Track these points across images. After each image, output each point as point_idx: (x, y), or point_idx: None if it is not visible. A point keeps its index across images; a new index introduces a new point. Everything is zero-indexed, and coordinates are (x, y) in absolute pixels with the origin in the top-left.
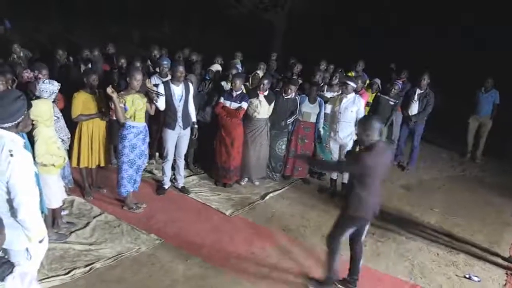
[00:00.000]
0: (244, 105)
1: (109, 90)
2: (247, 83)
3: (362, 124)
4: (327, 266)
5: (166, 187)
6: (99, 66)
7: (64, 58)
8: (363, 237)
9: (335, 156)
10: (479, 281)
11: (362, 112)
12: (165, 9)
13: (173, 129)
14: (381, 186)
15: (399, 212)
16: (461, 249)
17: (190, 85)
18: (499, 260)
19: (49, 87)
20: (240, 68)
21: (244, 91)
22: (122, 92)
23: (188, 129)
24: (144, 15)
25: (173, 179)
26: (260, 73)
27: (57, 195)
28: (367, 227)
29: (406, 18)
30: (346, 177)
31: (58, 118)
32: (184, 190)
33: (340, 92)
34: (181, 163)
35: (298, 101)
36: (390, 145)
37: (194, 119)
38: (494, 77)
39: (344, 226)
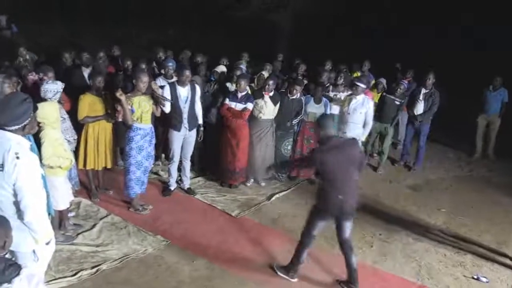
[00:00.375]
0: (249, 106)
1: (118, 93)
2: (253, 84)
3: (318, 122)
4: (294, 255)
5: (172, 188)
6: (102, 68)
7: (70, 61)
8: (346, 235)
9: None
10: (487, 282)
11: (371, 114)
12: (168, 12)
13: (179, 130)
14: (387, 186)
15: (405, 213)
16: (469, 250)
17: (197, 86)
18: (507, 261)
19: (52, 87)
20: (245, 69)
21: (249, 92)
22: (129, 94)
23: (194, 131)
24: (148, 17)
25: (179, 181)
26: (266, 73)
27: (64, 197)
28: (348, 224)
29: (407, 18)
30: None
31: (64, 119)
32: (190, 191)
33: (349, 93)
34: (187, 164)
35: (303, 102)
36: (353, 140)
37: (200, 121)
38: (495, 77)
39: (312, 219)
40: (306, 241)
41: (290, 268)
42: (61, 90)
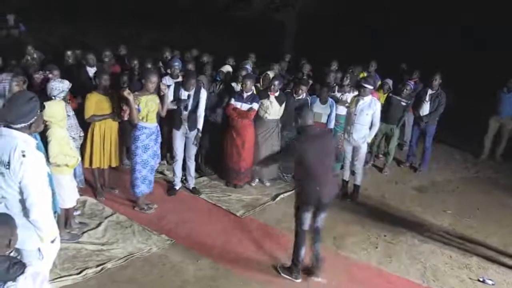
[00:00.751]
0: (255, 106)
1: (126, 92)
2: (258, 84)
3: (296, 112)
4: (293, 255)
5: (177, 187)
6: (107, 67)
7: (73, 58)
8: (318, 224)
9: (348, 157)
10: (493, 284)
11: (378, 116)
12: (170, 12)
13: (178, 129)
14: (393, 187)
15: (411, 214)
16: (475, 252)
17: (202, 90)
18: None
19: (58, 85)
20: (250, 69)
21: (255, 92)
22: (136, 93)
23: (196, 131)
24: (149, 17)
25: (184, 180)
26: (271, 74)
27: (70, 195)
28: (323, 215)
29: (407, 18)
30: (358, 179)
31: (69, 116)
32: (195, 191)
33: (355, 93)
34: (192, 164)
35: (309, 102)
36: (329, 130)
37: (200, 125)
38: (496, 77)
39: (298, 213)
40: (300, 238)
41: (293, 269)
42: (67, 89)
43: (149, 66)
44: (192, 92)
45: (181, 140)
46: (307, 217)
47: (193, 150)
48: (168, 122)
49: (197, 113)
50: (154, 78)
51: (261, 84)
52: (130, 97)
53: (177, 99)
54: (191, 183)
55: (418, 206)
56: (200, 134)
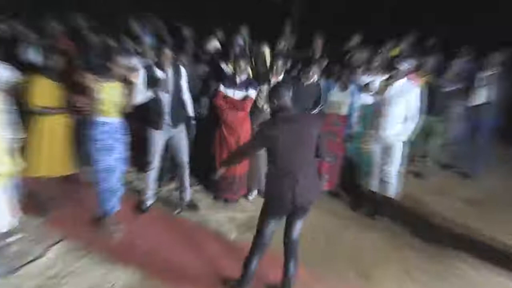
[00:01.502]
0: (252, 93)
1: (87, 78)
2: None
3: (270, 92)
4: (244, 264)
5: (149, 203)
6: (56, 45)
7: (7, 32)
8: (294, 236)
9: (377, 161)
10: None
11: (416, 105)
12: None
13: (159, 128)
14: (436, 199)
15: (461, 235)
16: None
17: (182, 69)
18: None
19: (2, 73)
20: (244, 45)
21: (251, 75)
22: (97, 79)
23: (182, 126)
24: None
25: (176, 190)
26: (267, 50)
27: (3, 215)
28: (300, 223)
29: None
30: (391, 189)
31: (2, 109)
32: (192, 206)
33: (386, 77)
34: (186, 170)
35: (321, 88)
36: (313, 116)
37: (191, 112)
38: None
39: (263, 215)
40: (257, 243)
41: (241, 283)
42: (11, 81)
43: (113, 43)
44: (170, 72)
45: (160, 143)
46: (273, 225)
47: (185, 148)
48: (139, 116)
49: (181, 101)
50: (121, 61)
51: (254, 64)
52: (92, 85)
53: (153, 81)
54: (187, 195)
55: (470, 223)
56: (194, 122)
